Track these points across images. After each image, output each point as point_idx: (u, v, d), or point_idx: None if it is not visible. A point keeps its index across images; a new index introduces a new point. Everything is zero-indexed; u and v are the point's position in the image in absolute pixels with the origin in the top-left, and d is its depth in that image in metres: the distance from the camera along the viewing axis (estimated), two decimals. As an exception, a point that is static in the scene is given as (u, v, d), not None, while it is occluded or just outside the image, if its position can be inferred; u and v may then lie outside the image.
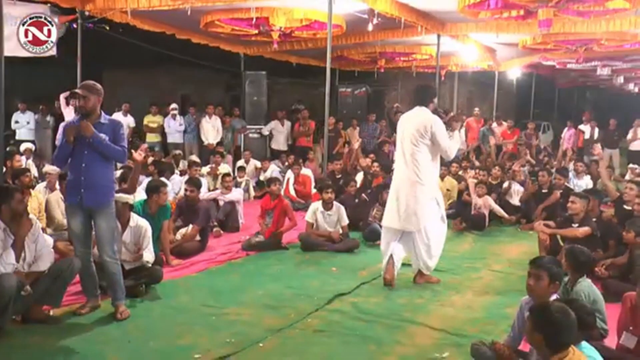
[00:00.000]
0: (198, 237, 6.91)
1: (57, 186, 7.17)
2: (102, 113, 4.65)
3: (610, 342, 4.01)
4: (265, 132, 13.84)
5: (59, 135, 10.95)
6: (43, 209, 6.71)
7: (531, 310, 2.96)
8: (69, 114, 9.60)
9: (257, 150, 13.15)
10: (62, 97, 11.61)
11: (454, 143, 5.75)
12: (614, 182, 9.38)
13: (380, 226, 7.57)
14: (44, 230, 5.45)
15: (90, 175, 4.52)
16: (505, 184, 9.51)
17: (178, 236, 6.81)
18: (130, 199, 5.47)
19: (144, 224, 5.50)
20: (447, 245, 6.87)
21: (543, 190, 8.88)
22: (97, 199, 4.55)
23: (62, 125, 10.63)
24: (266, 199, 7.62)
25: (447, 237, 6.14)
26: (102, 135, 4.50)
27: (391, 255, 5.62)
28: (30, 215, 4.67)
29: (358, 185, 9.15)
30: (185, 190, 7.27)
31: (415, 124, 5.55)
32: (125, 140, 4.69)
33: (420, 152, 5.51)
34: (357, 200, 8.42)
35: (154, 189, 6.29)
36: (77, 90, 4.52)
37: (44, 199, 6.89)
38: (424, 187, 5.56)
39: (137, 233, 5.42)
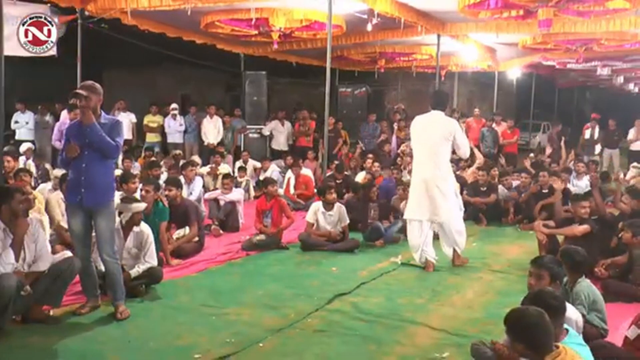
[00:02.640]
0: (195, 238, 6.90)
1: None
2: (103, 113, 4.66)
3: (611, 341, 4.01)
4: (266, 132, 13.84)
5: (54, 136, 10.89)
6: (43, 209, 6.70)
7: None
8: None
9: (257, 151, 13.15)
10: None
11: (467, 142, 6.61)
12: (614, 183, 9.37)
13: (381, 224, 7.63)
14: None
15: (90, 175, 4.53)
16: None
17: (175, 236, 6.79)
18: (142, 207, 5.49)
19: (146, 229, 5.48)
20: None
21: (544, 191, 8.87)
22: (96, 199, 4.56)
23: (57, 125, 10.57)
24: (262, 200, 7.62)
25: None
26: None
27: (426, 252, 6.32)
28: (32, 215, 4.66)
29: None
30: (164, 189, 7.22)
31: (439, 127, 6.23)
32: (121, 137, 4.67)
33: (443, 153, 6.24)
34: (364, 204, 8.37)
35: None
36: (79, 91, 4.53)
37: (45, 200, 6.88)
38: (446, 181, 6.31)
39: (139, 238, 5.41)
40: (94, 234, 4.72)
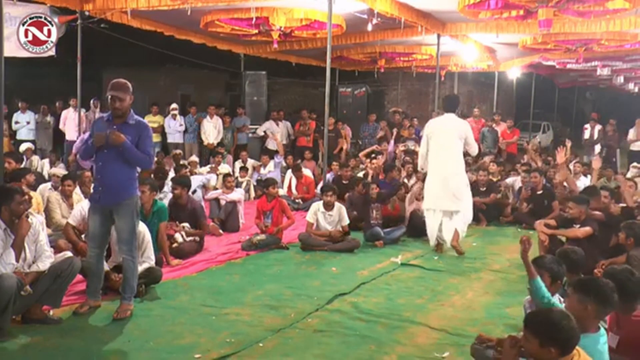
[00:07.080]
0: (196, 238, 6.89)
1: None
2: (132, 113, 4.63)
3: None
4: (260, 132, 13.77)
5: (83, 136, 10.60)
6: (42, 209, 6.70)
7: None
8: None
9: (256, 150, 13.13)
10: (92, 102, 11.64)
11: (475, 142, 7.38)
12: (614, 183, 9.37)
13: (381, 230, 7.61)
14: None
15: (106, 173, 4.58)
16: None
17: (177, 235, 6.77)
18: None
19: (142, 228, 5.44)
20: (446, 246, 6.92)
21: (538, 192, 8.86)
22: (112, 198, 4.59)
23: (79, 139, 10.42)
24: (262, 200, 7.61)
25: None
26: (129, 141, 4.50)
27: (440, 238, 7.06)
28: (32, 214, 4.66)
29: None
30: (172, 188, 7.21)
31: (454, 128, 6.94)
32: (151, 145, 4.60)
33: (459, 151, 6.98)
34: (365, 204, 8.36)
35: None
36: (112, 93, 4.49)
37: (45, 199, 6.88)
38: (462, 176, 7.07)
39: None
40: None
